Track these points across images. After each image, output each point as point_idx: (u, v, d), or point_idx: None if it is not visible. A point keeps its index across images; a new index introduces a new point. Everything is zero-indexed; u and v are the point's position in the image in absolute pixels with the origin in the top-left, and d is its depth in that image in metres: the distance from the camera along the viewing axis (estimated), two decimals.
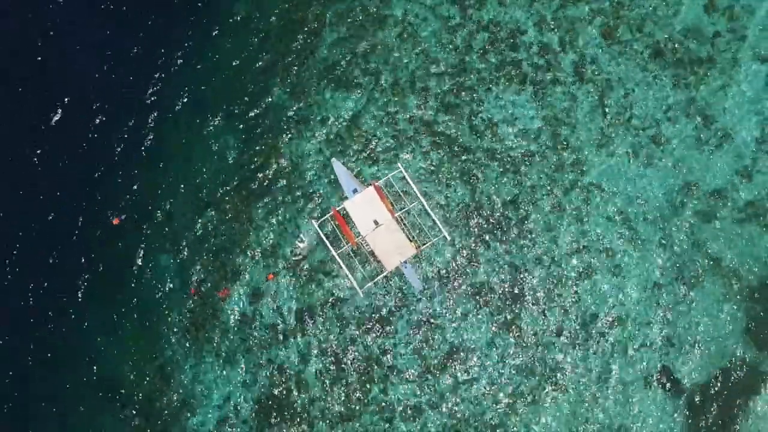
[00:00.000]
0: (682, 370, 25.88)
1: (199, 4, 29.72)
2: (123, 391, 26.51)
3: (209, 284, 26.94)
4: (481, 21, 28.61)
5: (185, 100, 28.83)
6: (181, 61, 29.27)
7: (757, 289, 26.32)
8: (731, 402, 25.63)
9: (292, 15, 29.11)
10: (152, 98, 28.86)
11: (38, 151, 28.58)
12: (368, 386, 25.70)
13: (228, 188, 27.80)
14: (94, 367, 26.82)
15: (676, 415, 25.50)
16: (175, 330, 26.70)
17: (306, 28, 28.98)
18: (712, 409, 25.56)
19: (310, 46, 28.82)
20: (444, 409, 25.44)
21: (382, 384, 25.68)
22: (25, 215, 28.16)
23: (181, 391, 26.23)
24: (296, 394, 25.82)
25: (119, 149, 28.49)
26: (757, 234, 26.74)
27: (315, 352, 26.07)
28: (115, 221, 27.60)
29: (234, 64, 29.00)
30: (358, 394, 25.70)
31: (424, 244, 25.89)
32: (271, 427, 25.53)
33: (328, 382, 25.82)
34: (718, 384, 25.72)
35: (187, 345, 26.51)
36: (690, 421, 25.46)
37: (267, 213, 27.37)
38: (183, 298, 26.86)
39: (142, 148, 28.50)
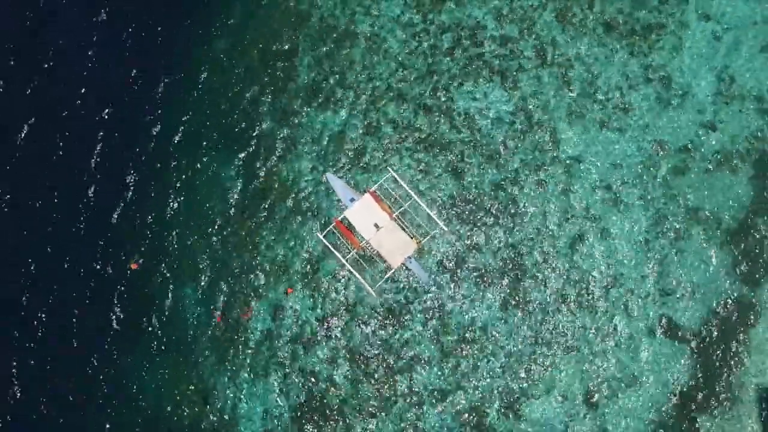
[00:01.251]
0: (681, 316, 27.52)
1: (181, 49, 31.19)
2: (167, 422, 27.71)
3: (233, 308, 28.27)
4: (442, 23, 30.39)
5: (182, 140, 30.17)
6: (176, 102, 30.66)
7: (737, 230, 28.08)
8: (730, 338, 27.24)
9: (268, 46, 30.58)
10: (149, 145, 30.19)
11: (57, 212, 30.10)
12: (395, 378, 27.21)
13: (235, 216, 29.13)
14: (138, 405, 28.00)
15: (681, 358, 27.12)
16: (208, 356, 27.95)
17: (283, 56, 30.47)
18: (714, 348, 27.18)
19: (289, 72, 30.31)
20: (468, 388, 27.00)
21: (408, 373, 27.22)
22: (49, 269, 29.66)
23: (222, 412, 27.49)
24: (330, 396, 27.21)
25: (126, 196, 29.78)
26: (729, 179, 28.55)
27: (340, 354, 27.52)
28: (134, 266, 28.93)
29: (223, 100, 30.39)
30: (386, 387, 27.19)
31: (424, 238, 27.59)
32: (313, 429, 26.99)
33: (357, 380, 27.31)
34: (716, 323, 27.35)
35: (222, 368, 27.78)
36: (695, 362, 27.08)
37: (275, 233, 28.78)
38: (210, 325, 28.20)
39: (148, 192, 29.81)
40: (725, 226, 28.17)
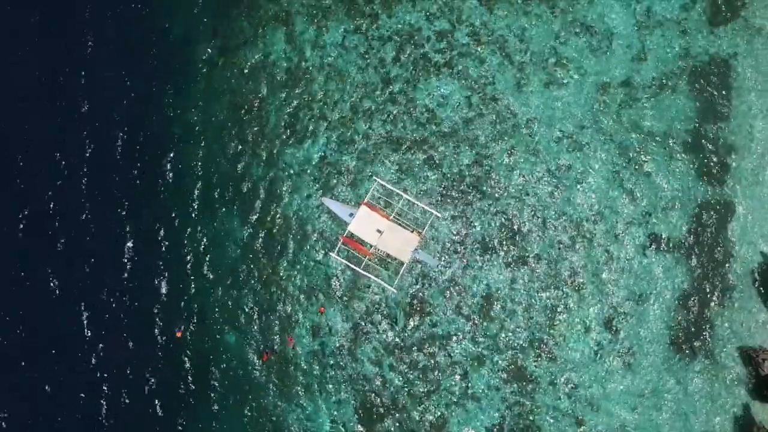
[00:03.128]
0: (666, 229, 30.41)
1: (157, 132, 33.06)
2: None
3: (276, 342, 30.35)
4: (382, 37, 33.00)
5: (183, 208, 32.16)
6: (172, 179, 32.58)
7: (692, 140, 31.04)
8: (715, 236, 30.22)
9: (236, 101, 32.80)
10: (158, 221, 32.23)
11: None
12: (435, 358, 29.62)
13: (253, 261, 31.22)
14: None
15: (678, 267, 29.97)
16: (267, 391, 30.00)
17: (251, 106, 32.71)
18: (704, 249, 30.14)
19: (261, 119, 32.57)
20: (500, 347, 29.53)
21: (444, 351, 29.67)
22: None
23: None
24: (383, 391, 29.54)
25: (157, 273, 31.65)
26: (672, 98, 31.50)
27: (381, 352, 29.87)
28: (179, 334, 30.71)
29: (210, 164, 32.44)
30: (430, 368, 29.60)
31: (424, 229, 30.14)
32: (378, 425, 29.29)
33: (403, 371, 29.63)
34: (699, 227, 30.31)
35: (283, 397, 29.86)
36: (691, 266, 29.97)
37: (291, 264, 31.03)
38: (260, 364, 30.22)
39: (170, 263, 31.70)
40: (681, 140, 31.11)
